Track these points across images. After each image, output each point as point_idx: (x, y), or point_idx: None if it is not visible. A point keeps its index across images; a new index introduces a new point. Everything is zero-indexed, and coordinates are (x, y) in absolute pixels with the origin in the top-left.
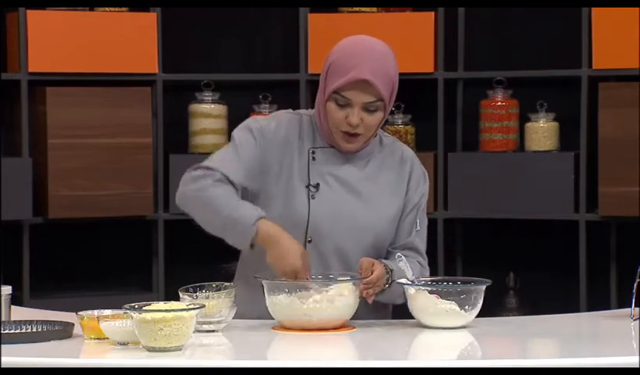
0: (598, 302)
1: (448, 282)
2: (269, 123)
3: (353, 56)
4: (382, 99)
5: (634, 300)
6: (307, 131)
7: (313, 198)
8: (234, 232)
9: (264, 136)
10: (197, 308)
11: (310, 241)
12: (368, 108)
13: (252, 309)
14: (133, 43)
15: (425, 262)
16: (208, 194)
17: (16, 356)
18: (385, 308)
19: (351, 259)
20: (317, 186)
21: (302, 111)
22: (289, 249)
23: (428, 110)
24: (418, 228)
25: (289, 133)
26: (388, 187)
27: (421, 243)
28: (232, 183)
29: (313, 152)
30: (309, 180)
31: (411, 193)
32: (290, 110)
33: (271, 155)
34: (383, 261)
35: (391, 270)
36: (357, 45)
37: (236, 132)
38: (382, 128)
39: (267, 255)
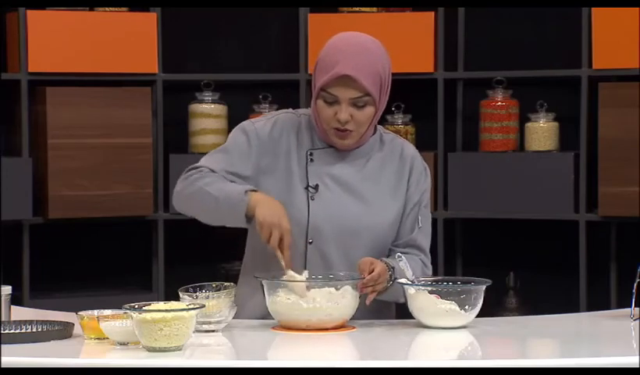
0: (598, 302)
1: (448, 282)
2: (265, 125)
3: (337, 52)
4: (368, 94)
5: (634, 300)
6: (306, 132)
7: (312, 200)
8: (227, 209)
9: (259, 138)
10: (197, 308)
11: (311, 242)
12: (356, 104)
13: (254, 309)
14: (133, 43)
15: (428, 261)
16: (197, 184)
17: (16, 356)
18: (389, 308)
19: (353, 259)
20: (316, 187)
21: (302, 110)
22: (276, 206)
23: (428, 110)
24: (420, 225)
25: (286, 134)
26: (388, 187)
27: (424, 240)
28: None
29: (311, 154)
30: (307, 181)
31: (412, 190)
32: (291, 110)
33: (266, 156)
34: (384, 260)
35: (392, 268)
36: (341, 41)
37: (231, 132)
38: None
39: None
